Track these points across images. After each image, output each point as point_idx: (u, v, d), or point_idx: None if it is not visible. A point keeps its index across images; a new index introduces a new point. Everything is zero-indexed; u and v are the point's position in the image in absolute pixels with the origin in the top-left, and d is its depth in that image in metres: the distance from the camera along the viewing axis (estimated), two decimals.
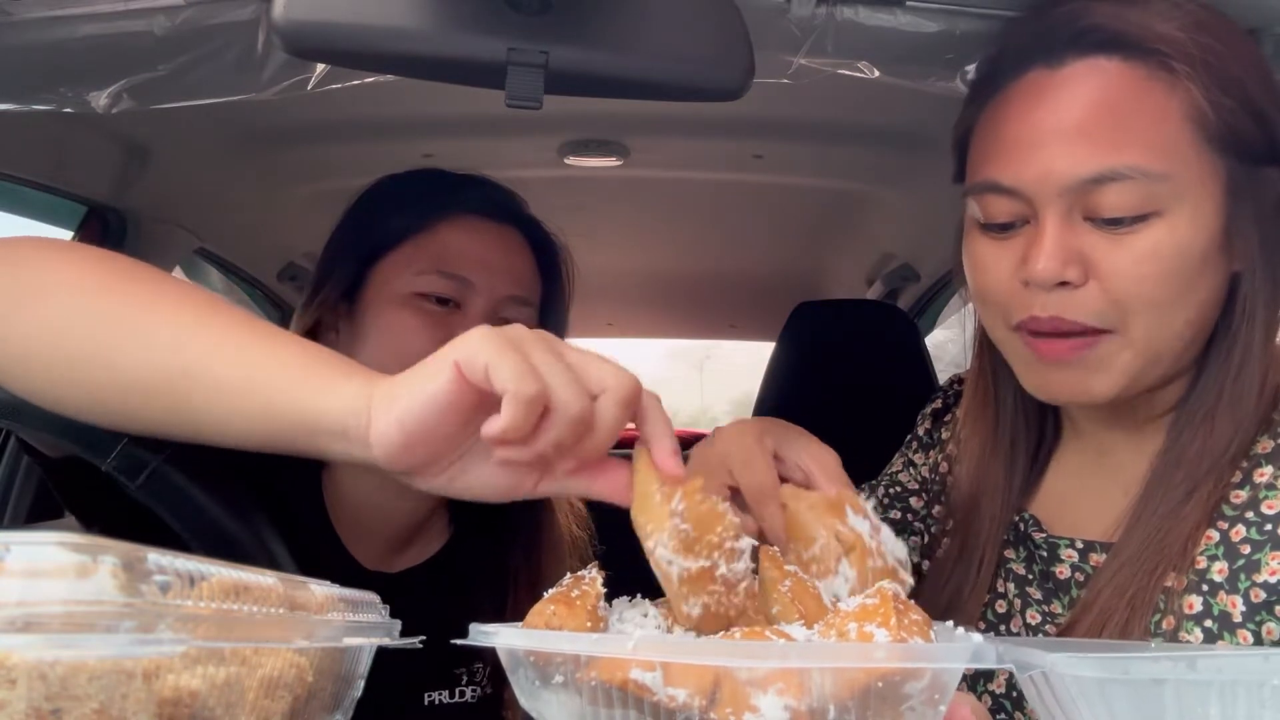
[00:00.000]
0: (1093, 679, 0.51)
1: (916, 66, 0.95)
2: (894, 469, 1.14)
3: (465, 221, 1.12)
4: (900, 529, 1.06)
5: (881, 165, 1.71)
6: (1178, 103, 0.77)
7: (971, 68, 0.94)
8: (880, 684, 0.49)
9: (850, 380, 1.90)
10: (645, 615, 0.62)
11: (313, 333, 1.13)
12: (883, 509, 1.09)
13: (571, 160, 1.66)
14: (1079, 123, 0.78)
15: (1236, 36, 0.81)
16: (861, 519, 0.72)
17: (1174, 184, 0.76)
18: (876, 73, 0.98)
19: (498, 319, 1.10)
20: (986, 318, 0.88)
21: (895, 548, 0.72)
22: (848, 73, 0.97)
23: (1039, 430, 0.96)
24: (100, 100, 0.98)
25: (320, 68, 0.97)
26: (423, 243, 1.11)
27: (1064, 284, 0.78)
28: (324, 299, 1.12)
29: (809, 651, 0.52)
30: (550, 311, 1.19)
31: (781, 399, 1.95)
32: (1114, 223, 0.77)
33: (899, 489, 1.11)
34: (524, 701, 0.56)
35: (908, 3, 0.90)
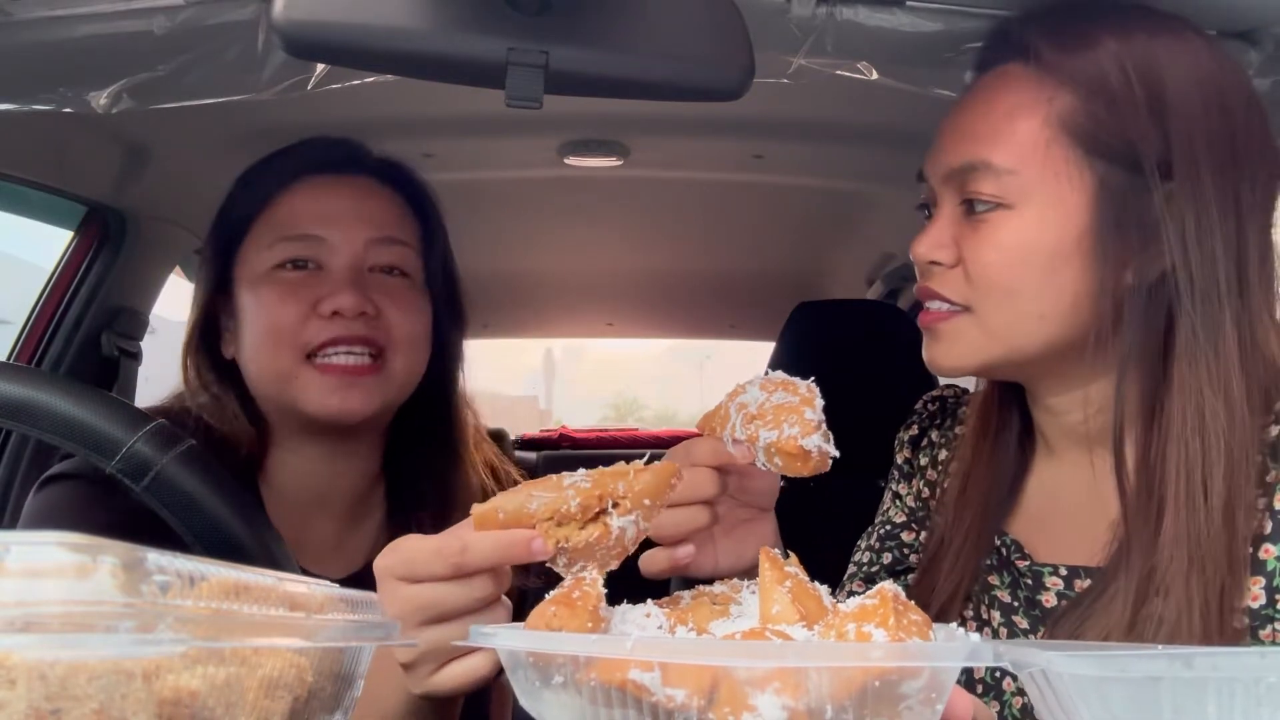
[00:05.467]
0: (1090, 677, 0.51)
1: (916, 67, 0.95)
2: (884, 507, 1.14)
3: (306, 184, 1.13)
4: (893, 573, 1.07)
5: (881, 165, 1.71)
6: (1047, 107, 0.82)
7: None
8: (877, 683, 0.49)
9: (850, 380, 1.88)
10: (648, 615, 0.62)
11: (210, 333, 1.14)
12: (875, 554, 1.09)
13: (571, 160, 1.66)
14: (965, 121, 0.87)
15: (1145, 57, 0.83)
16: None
17: (1021, 180, 0.82)
18: (876, 73, 0.98)
19: (368, 267, 1.10)
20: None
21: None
22: (848, 73, 0.97)
23: (1020, 449, 0.97)
24: (100, 100, 0.99)
25: (320, 68, 0.97)
26: (268, 218, 1.12)
27: (936, 264, 0.87)
28: (202, 300, 1.14)
29: (806, 651, 0.52)
30: (431, 246, 1.18)
31: None
32: (976, 212, 0.85)
33: (889, 528, 1.10)
34: (524, 702, 0.56)
35: (908, 3, 0.90)
